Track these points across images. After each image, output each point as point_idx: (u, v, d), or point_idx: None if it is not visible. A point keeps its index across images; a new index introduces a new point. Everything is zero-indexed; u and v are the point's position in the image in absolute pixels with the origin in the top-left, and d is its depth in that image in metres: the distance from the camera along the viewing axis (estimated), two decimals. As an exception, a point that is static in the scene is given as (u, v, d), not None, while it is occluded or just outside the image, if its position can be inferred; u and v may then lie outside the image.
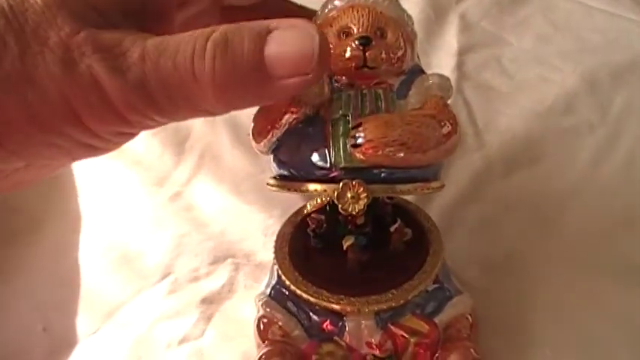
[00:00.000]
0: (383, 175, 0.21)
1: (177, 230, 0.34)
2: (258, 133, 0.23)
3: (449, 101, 0.23)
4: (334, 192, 0.21)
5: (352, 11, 0.22)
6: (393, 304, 0.23)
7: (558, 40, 0.43)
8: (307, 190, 0.22)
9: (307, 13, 0.25)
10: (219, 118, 0.38)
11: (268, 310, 0.25)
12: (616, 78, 0.39)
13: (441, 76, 0.23)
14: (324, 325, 0.24)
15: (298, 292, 0.24)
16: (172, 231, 0.34)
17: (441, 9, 0.46)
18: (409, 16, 0.24)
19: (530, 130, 0.37)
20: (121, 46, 0.17)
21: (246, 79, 0.17)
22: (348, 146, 0.21)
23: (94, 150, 0.19)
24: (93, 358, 0.29)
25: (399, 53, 0.22)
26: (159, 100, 0.17)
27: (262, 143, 0.23)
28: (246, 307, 0.28)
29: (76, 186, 0.36)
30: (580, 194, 0.33)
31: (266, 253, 0.31)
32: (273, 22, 0.18)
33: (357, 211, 0.21)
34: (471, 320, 0.25)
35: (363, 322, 0.23)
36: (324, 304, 0.23)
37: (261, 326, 0.25)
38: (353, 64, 0.22)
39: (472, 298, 0.26)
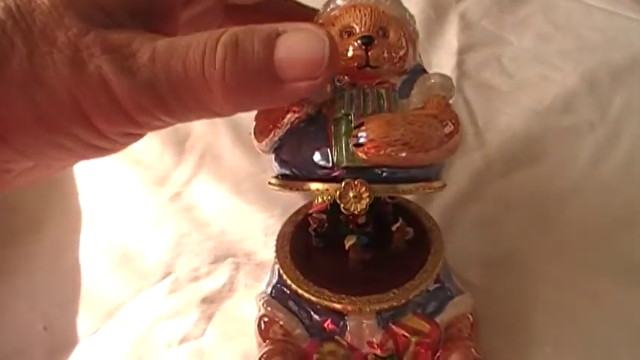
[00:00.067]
0: (385, 174, 0.21)
1: (178, 230, 0.34)
2: (260, 132, 0.23)
3: (450, 101, 0.23)
4: (336, 191, 0.21)
5: (354, 10, 0.22)
6: (395, 304, 0.23)
7: (558, 39, 0.43)
8: (309, 190, 0.22)
9: (310, 13, 0.25)
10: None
11: (269, 309, 0.25)
12: (616, 77, 0.39)
13: (443, 75, 0.23)
14: (326, 325, 0.24)
15: (299, 291, 0.24)
16: (173, 230, 0.34)
17: (442, 8, 0.46)
18: (411, 16, 0.24)
19: (530, 129, 0.37)
20: (130, 46, 0.17)
21: (255, 81, 0.18)
22: (350, 146, 0.21)
23: (100, 151, 0.19)
24: (93, 358, 0.28)
25: (401, 52, 0.22)
26: (168, 101, 0.17)
27: (264, 142, 0.23)
28: (246, 306, 0.28)
29: (76, 185, 0.36)
30: (580, 193, 0.33)
31: (267, 252, 0.31)
32: (281, 25, 0.18)
33: (359, 210, 0.21)
34: (472, 320, 0.25)
35: (365, 321, 0.23)
36: (326, 303, 0.23)
37: (262, 325, 0.25)
38: (355, 64, 0.22)
39: (473, 298, 0.26)
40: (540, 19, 0.45)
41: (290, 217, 0.28)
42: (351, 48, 0.21)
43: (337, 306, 0.23)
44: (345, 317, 0.24)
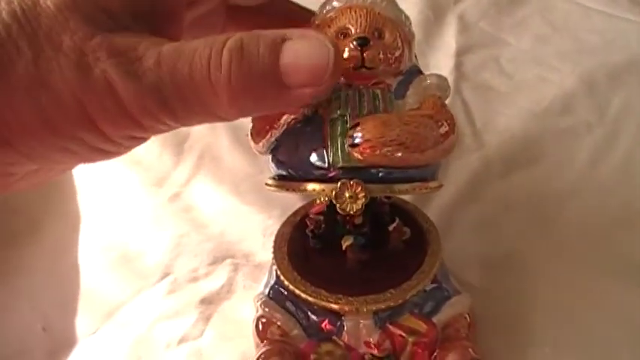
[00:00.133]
0: (381, 174, 0.21)
1: (177, 230, 0.34)
2: (257, 134, 0.23)
3: (446, 101, 0.23)
4: (332, 192, 0.21)
5: (350, 12, 0.23)
6: (392, 304, 0.23)
7: (556, 41, 0.43)
8: (305, 190, 0.22)
9: (310, 15, 0.25)
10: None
11: (267, 309, 0.25)
12: (614, 78, 0.39)
13: (439, 76, 0.23)
14: (323, 325, 0.24)
15: (297, 291, 0.24)
16: (172, 231, 0.34)
17: (440, 10, 0.47)
18: (407, 17, 0.24)
19: (528, 130, 0.37)
20: (136, 51, 0.17)
21: (261, 85, 0.18)
22: (346, 146, 0.21)
23: (105, 154, 0.19)
24: (92, 358, 0.29)
25: (397, 53, 0.22)
26: (174, 105, 0.18)
27: (261, 143, 0.23)
28: (245, 307, 0.28)
29: (76, 186, 0.36)
30: (578, 194, 0.33)
31: (265, 253, 0.31)
32: (287, 31, 0.18)
33: (355, 210, 0.21)
34: (469, 320, 0.25)
35: (362, 321, 0.23)
36: (323, 303, 0.23)
37: (260, 326, 0.25)
38: (351, 65, 0.22)
39: (471, 298, 0.26)
40: (538, 20, 0.45)
41: (288, 218, 0.29)
42: (346, 49, 0.22)
43: (334, 306, 0.23)
44: (343, 317, 0.24)
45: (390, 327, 0.23)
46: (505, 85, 0.41)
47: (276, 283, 0.26)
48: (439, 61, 0.43)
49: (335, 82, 0.20)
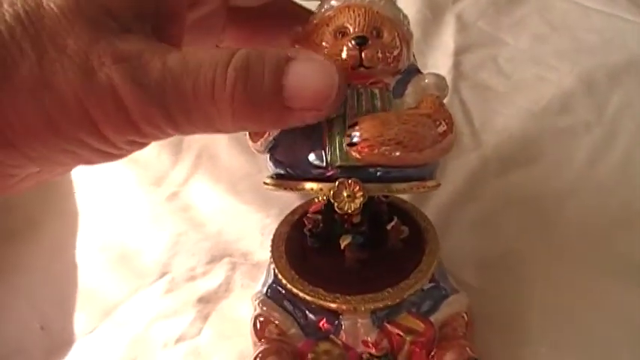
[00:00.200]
0: (379, 173, 0.21)
1: (175, 229, 0.34)
2: (255, 133, 0.23)
3: (445, 100, 0.23)
4: (330, 191, 0.21)
5: (348, 11, 0.22)
6: (389, 303, 0.23)
7: (555, 40, 0.43)
8: (303, 189, 0.22)
9: (310, 15, 0.25)
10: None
11: (265, 308, 0.25)
12: (612, 78, 0.39)
13: (437, 75, 0.23)
14: (321, 324, 0.24)
15: (294, 290, 0.24)
16: (169, 230, 0.34)
17: (438, 9, 0.46)
18: (405, 16, 0.24)
19: (527, 130, 0.37)
20: (141, 58, 0.17)
21: (263, 107, 0.18)
22: (344, 145, 0.21)
23: (106, 156, 0.20)
24: (90, 357, 0.29)
25: (395, 53, 0.22)
26: (176, 117, 0.18)
27: (259, 142, 0.23)
28: (242, 306, 0.28)
29: (74, 185, 0.36)
30: (577, 193, 0.33)
31: (263, 252, 0.31)
32: (292, 51, 0.19)
33: (352, 209, 0.21)
34: (466, 319, 0.25)
35: (359, 320, 0.23)
36: (320, 302, 0.23)
37: (258, 325, 0.25)
38: (349, 64, 0.22)
39: (468, 297, 0.26)
40: (536, 19, 0.45)
41: (286, 217, 0.29)
42: (345, 48, 0.21)
43: (332, 305, 0.23)
44: (340, 316, 0.24)
45: (388, 326, 0.23)
46: (503, 84, 0.41)
47: (273, 282, 0.26)
48: (437, 60, 0.43)
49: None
